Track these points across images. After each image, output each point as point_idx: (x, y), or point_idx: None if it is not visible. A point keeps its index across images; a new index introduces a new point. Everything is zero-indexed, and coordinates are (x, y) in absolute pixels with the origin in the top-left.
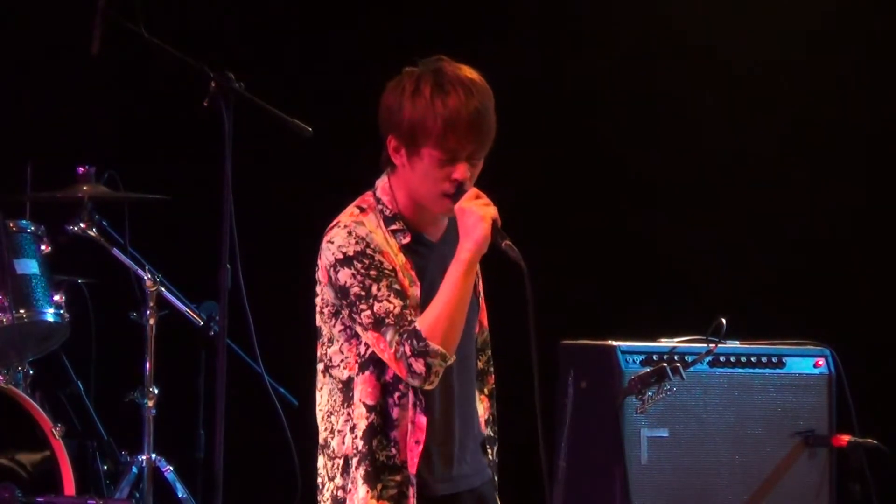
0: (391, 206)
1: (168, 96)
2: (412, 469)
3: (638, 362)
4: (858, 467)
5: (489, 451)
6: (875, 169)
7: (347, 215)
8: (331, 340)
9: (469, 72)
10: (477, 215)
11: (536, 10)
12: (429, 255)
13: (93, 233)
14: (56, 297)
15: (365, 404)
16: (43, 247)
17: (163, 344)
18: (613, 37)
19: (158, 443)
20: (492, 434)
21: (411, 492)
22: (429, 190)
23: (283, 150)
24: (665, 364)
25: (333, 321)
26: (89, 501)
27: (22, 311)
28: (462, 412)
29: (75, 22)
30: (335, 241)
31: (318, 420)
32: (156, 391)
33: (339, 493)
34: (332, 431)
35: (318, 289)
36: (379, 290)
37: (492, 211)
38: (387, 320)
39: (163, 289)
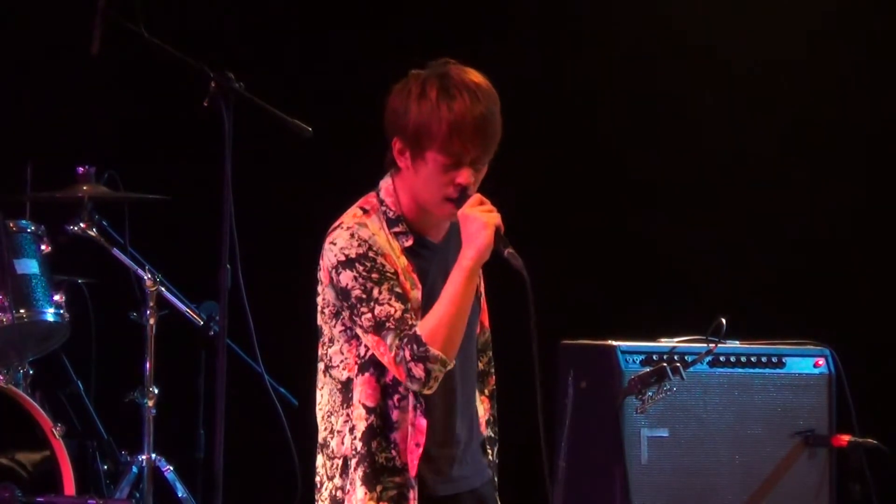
0: (394, 208)
1: (168, 96)
2: (412, 472)
3: (638, 362)
4: (858, 467)
5: (489, 451)
6: (875, 169)
7: (350, 216)
8: (331, 341)
9: (476, 76)
10: (480, 222)
11: (536, 10)
12: (431, 258)
13: (93, 233)
14: (56, 297)
15: (364, 406)
16: (43, 247)
17: (163, 344)
18: (613, 37)
19: (158, 443)
20: (492, 435)
21: (412, 494)
22: (432, 194)
23: (283, 150)
24: (665, 364)
25: (334, 322)
26: (89, 501)
27: (22, 311)
28: (463, 413)
29: (75, 22)
30: (338, 243)
31: (318, 419)
32: (156, 391)
33: (338, 493)
34: (331, 431)
35: (319, 288)
36: (380, 293)
37: (495, 218)
38: (387, 324)
39: (163, 289)
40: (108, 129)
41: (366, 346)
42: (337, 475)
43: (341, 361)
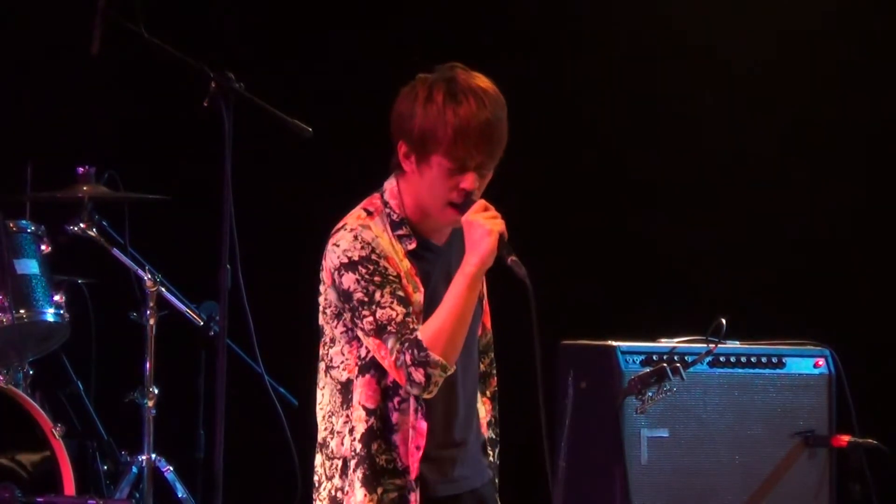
0: (398, 210)
1: (168, 96)
2: (413, 474)
3: (638, 362)
4: (858, 467)
5: (490, 453)
6: (875, 169)
7: (354, 218)
8: (332, 341)
9: (483, 81)
10: (484, 229)
11: (536, 9)
12: (434, 261)
13: (93, 233)
14: (56, 297)
15: (365, 408)
16: (43, 247)
17: (163, 344)
18: (613, 37)
19: (158, 443)
20: (494, 436)
21: (413, 497)
22: (436, 198)
23: (283, 150)
24: (665, 364)
25: (335, 322)
26: (89, 501)
27: (22, 311)
28: (463, 415)
29: (75, 22)
30: (341, 245)
31: (319, 419)
32: (156, 391)
33: (338, 494)
34: (331, 432)
35: (321, 288)
36: (382, 296)
37: (499, 225)
38: (389, 328)
39: (163, 289)
40: (108, 129)
41: (367, 347)
42: (336, 475)
43: (342, 362)
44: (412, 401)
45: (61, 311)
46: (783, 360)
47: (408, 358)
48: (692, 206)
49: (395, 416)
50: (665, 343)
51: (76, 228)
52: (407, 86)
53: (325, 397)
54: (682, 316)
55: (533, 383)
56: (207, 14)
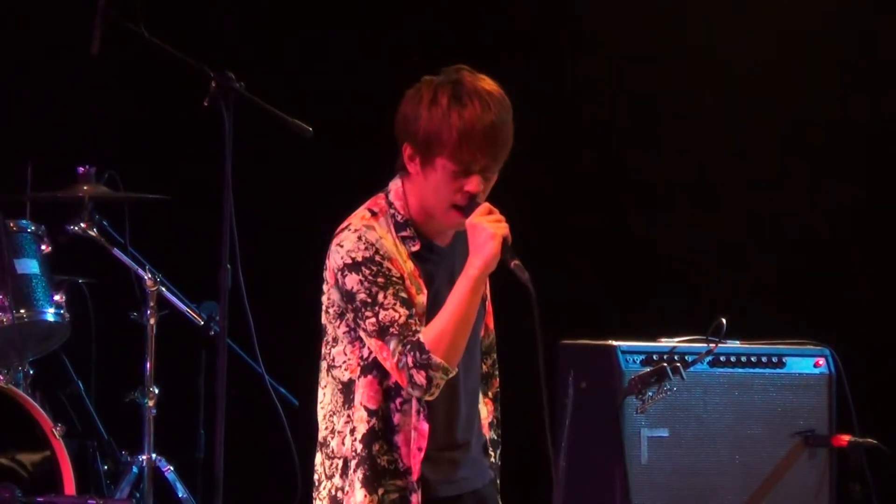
0: (403, 211)
1: (168, 96)
2: (415, 475)
3: (638, 362)
4: (858, 467)
5: (492, 453)
6: (875, 169)
7: (358, 219)
8: (335, 340)
9: (488, 83)
10: (488, 232)
11: (536, 9)
12: (438, 262)
13: (93, 233)
14: (56, 297)
15: (366, 408)
16: (43, 247)
17: (163, 344)
18: (613, 37)
19: (158, 443)
20: (495, 437)
21: (415, 498)
22: (441, 201)
23: (283, 150)
24: (665, 364)
25: (338, 322)
26: (89, 501)
27: (22, 311)
28: (465, 416)
29: (75, 22)
30: (345, 245)
31: (320, 418)
32: (156, 391)
33: (338, 493)
34: (332, 431)
35: (325, 287)
36: (385, 297)
37: (503, 228)
38: (391, 329)
39: (163, 289)
40: (108, 129)
41: (369, 348)
42: (336, 475)
43: (344, 362)
44: (414, 402)
45: (61, 311)
46: (783, 360)
47: (410, 360)
48: (692, 206)
49: (396, 417)
50: (665, 343)
51: (76, 228)
52: (412, 88)
53: (326, 396)
54: (682, 316)
55: (537, 388)
56: (207, 14)
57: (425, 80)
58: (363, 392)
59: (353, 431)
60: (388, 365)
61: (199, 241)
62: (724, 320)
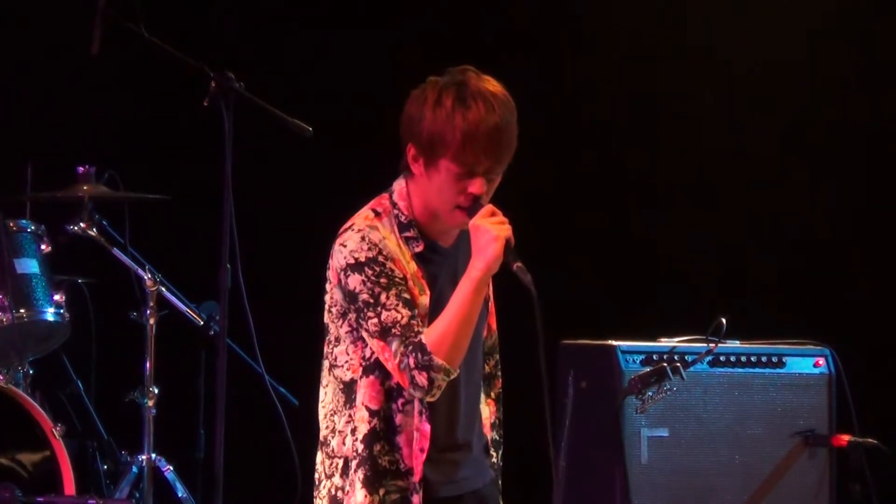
0: (407, 212)
1: (168, 96)
2: (417, 476)
3: (638, 362)
4: (858, 467)
5: (493, 454)
6: (875, 169)
7: (362, 219)
8: (337, 340)
9: (493, 85)
10: (491, 234)
11: (536, 9)
12: (441, 263)
13: (93, 233)
14: (56, 297)
15: (368, 408)
16: (43, 247)
17: (163, 344)
18: (613, 37)
19: (158, 443)
20: (497, 438)
21: (416, 499)
22: (444, 202)
23: (283, 150)
24: (665, 364)
25: (341, 321)
26: (89, 501)
27: (22, 310)
28: (466, 417)
29: (75, 22)
30: (348, 245)
31: (320, 417)
32: (156, 391)
33: (338, 493)
34: (333, 430)
35: (327, 287)
36: (388, 298)
37: (506, 231)
38: (393, 330)
39: (163, 289)
40: (108, 129)
41: (371, 348)
42: (336, 474)
43: (346, 362)
44: (416, 403)
45: (61, 311)
46: (783, 360)
47: (411, 361)
48: (692, 206)
49: (398, 418)
50: (665, 343)
51: (76, 228)
52: (417, 88)
53: (327, 396)
54: (682, 316)
55: (538, 388)
56: (207, 14)
57: (430, 81)
58: (365, 392)
59: (354, 431)
60: (390, 366)
61: (199, 241)
62: (724, 320)
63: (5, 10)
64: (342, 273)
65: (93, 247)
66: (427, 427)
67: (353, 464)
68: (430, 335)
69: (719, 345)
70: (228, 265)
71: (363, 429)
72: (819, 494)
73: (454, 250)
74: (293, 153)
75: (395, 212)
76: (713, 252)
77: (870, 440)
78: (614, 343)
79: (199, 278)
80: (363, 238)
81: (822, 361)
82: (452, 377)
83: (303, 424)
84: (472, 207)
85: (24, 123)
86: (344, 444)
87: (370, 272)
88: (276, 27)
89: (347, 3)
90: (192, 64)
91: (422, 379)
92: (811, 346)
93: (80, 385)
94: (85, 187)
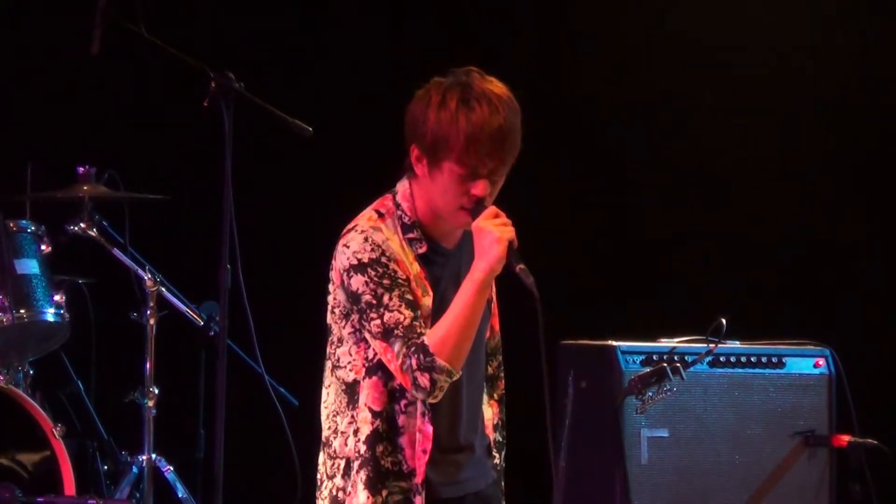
0: (410, 213)
1: (168, 96)
2: (419, 478)
3: (638, 362)
4: (858, 467)
5: (496, 455)
6: (875, 169)
7: (365, 219)
8: (340, 340)
9: (498, 87)
10: (493, 236)
11: (536, 10)
12: (444, 265)
13: (93, 233)
14: (56, 297)
15: (371, 409)
16: (43, 247)
17: (163, 344)
18: (613, 37)
19: (158, 443)
20: (500, 439)
21: (418, 500)
22: (448, 203)
23: (283, 150)
24: (665, 364)
25: (344, 322)
26: (89, 501)
27: (22, 311)
28: (468, 418)
29: (75, 22)
30: (351, 246)
31: (323, 417)
32: (156, 391)
33: (339, 494)
34: (335, 431)
35: (330, 287)
36: (390, 299)
37: (509, 232)
38: (396, 331)
39: (163, 289)
40: (108, 129)
41: (374, 349)
42: (338, 475)
43: (349, 363)
44: (419, 404)
45: (61, 311)
46: (783, 360)
47: (414, 362)
48: (692, 206)
49: (401, 419)
50: (665, 343)
51: (76, 228)
52: (422, 89)
53: (329, 396)
54: (682, 316)
55: (539, 390)
56: (207, 14)
57: (434, 82)
58: (368, 393)
59: (356, 432)
60: (393, 367)
61: (199, 241)
62: (724, 320)
63: (5, 10)
64: (345, 274)
65: (93, 247)
66: (429, 428)
67: (356, 465)
68: (432, 336)
69: (719, 345)
70: (228, 265)
71: (366, 430)
72: (819, 494)
73: (457, 252)
74: (293, 153)
75: (399, 213)
76: (713, 252)
77: (870, 440)
78: (614, 343)
79: (199, 278)
80: (366, 239)
81: (822, 362)
82: (455, 378)
83: (303, 424)
84: (476, 209)
85: (24, 123)
86: (346, 444)
87: (373, 273)
88: (277, 27)
89: (347, 3)
90: (192, 64)
91: (424, 380)
92: (811, 347)
93: (81, 385)
94: (85, 187)
